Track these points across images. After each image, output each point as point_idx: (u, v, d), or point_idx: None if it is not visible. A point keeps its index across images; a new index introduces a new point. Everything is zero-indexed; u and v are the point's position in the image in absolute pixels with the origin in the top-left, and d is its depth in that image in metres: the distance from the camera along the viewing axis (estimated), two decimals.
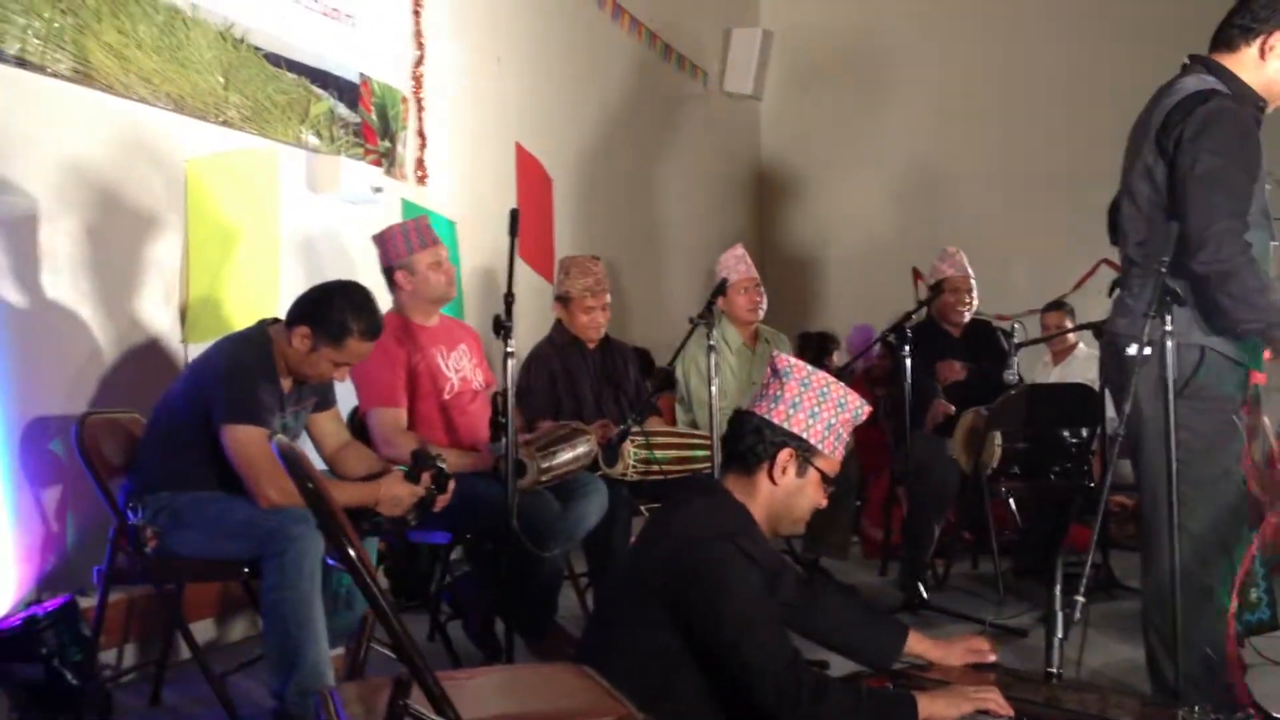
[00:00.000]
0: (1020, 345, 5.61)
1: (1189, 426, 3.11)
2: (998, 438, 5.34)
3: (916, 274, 8.85)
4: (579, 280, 4.75)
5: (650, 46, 7.78)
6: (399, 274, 4.13)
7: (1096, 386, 4.74)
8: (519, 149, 6.14)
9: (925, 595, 4.96)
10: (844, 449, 2.71)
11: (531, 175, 6.26)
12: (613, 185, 7.34)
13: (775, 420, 2.59)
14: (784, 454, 2.59)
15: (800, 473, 2.61)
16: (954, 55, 9.52)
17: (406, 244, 4.12)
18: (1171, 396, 3.02)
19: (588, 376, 4.73)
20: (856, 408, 2.67)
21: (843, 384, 2.68)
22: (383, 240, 4.18)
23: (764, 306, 5.57)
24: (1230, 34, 3.24)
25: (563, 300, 4.79)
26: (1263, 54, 3.20)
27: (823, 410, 2.62)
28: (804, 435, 2.60)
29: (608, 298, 4.80)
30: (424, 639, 4.08)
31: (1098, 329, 5.29)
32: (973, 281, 5.82)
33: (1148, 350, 3.03)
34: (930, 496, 5.34)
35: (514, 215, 3.50)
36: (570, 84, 6.82)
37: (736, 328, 5.52)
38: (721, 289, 4.64)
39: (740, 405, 2.72)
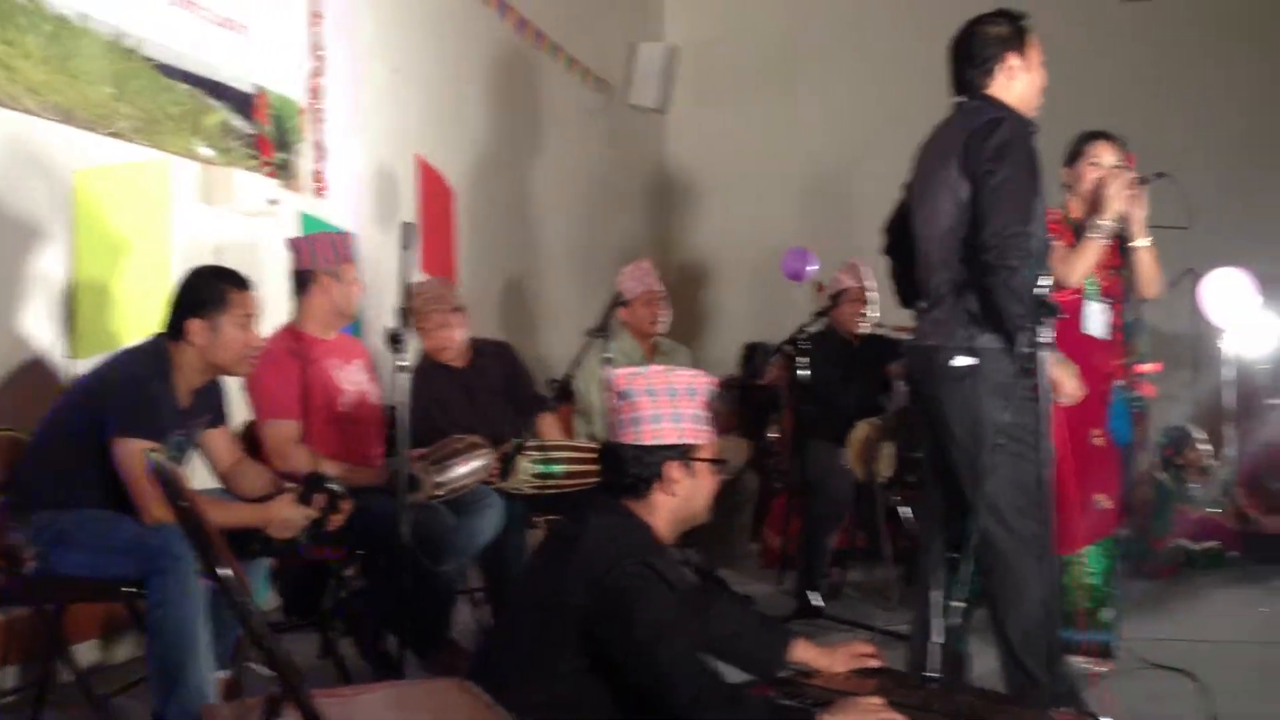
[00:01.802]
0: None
1: (1020, 424, 3.30)
2: (892, 448, 5.48)
3: (819, 285, 8.97)
4: (424, 300, 4.63)
5: (555, 58, 7.81)
6: (324, 279, 4.11)
7: None
8: (420, 160, 6.13)
9: (819, 603, 5.04)
10: (710, 427, 2.75)
11: (433, 187, 6.25)
12: (516, 197, 7.35)
13: (646, 442, 2.62)
14: (669, 469, 2.63)
15: (690, 474, 2.67)
16: (862, 69, 9.66)
17: (335, 253, 4.12)
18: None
19: (457, 398, 4.61)
20: (706, 385, 2.72)
21: (677, 369, 2.74)
22: (308, 244, 4.17)
23: (666, 319, 5.63)
24: (973, 80, 3.60)
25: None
26: (1010, 76, 3.56)
27: (679, 407, 2.65)
28: (678, 441, 2.63)
29: (456, 315, 4.68)
30: (318, 657, 4.05)
31: None
32: (872, 293, 5.92)
33: (973, 360, 3.31)
34: (825, 506, 5.44)
35: (406, 228, 3.51)
36: (472, 96, 6.83)
37: (637, 340, 5.57)
38: (618, 302, 4.68)
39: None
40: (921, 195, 3.63)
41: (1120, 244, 4.18)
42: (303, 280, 4.16)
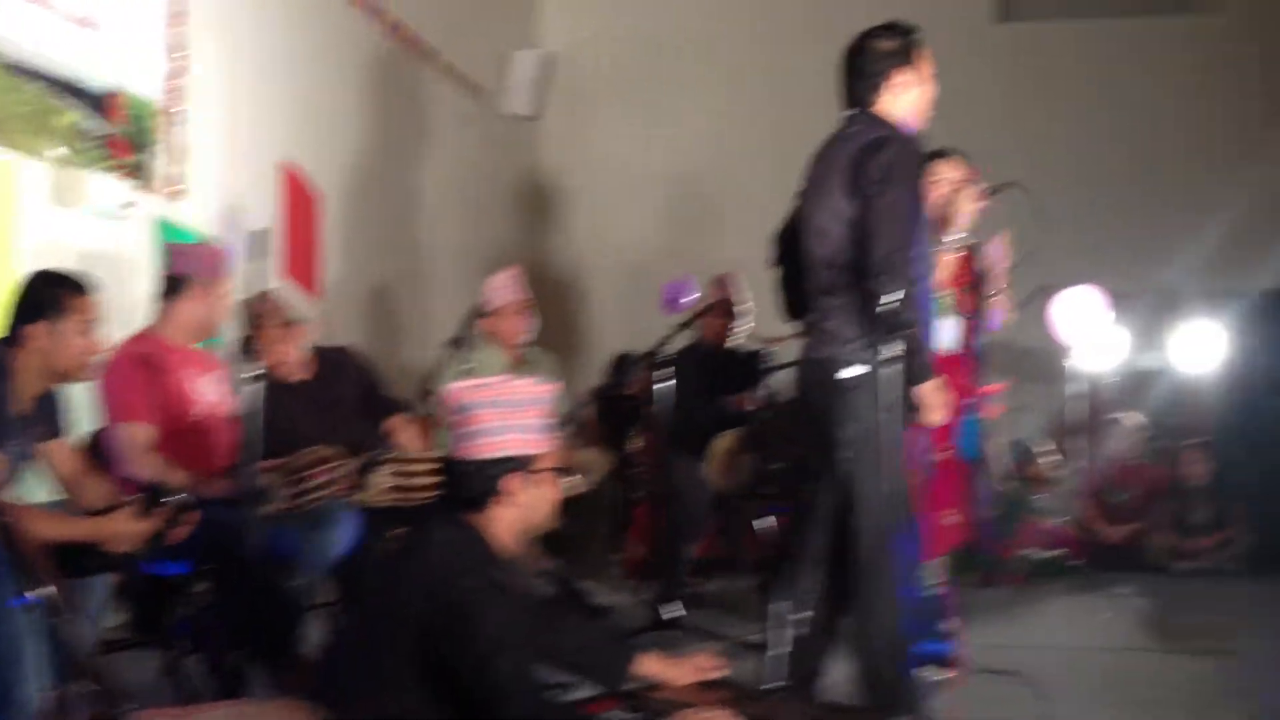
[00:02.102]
0: (772, 369, 5.84)
1: (896, 438, 3.39)
2: (751, 459, 5.57)
3: (690, 283, 9.05)
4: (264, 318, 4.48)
5: (429, 64, 7.76)
6: (197, 288, 4.05)
7: None
8: (284, 165, 6.04)
9: (678, 614, 5.09)
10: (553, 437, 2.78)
11: (297, 192, 6.16)
12: (386, 204, 7.28)
13: (485, 455, 2.63)
14: (509, 481, 2.64)
15: (533, 484, 2.69)
16: (735, 79, 9.79)
17: (213, 266, 4.08)
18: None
19: (303, 414, 4.41)
20: (538, 395, 2.74)
21: (513, 379, 2.78)
22: (187, 251, 4.16)
23: (531, 330, 5.63)
24: (862, 95, 3.63)
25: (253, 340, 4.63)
26: (898, 91, 3.59)
27: (516, 418, 2.66)
28: (516, 453, 2.65)
29: (290, 329, 4.51)
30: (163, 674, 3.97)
31: None
32: (742, 306, 6.00)
33: (862, 372, 3.37)
34: (685, 517, 5.51)
35: (260, 235, 3.48)
36: (342, 100, 6.74)
37: (502, 350, 5.56)
38: (477, 313, 4.66)
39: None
40: (810, 209, 3.64)
41: (971, 260, 4.29)
42: (174, 286, 4.10)
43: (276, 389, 4.33)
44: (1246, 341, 7.76)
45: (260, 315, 4.47)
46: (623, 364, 7.84)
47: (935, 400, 3.42)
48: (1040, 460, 7.26)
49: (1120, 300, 8.67)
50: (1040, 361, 8.96)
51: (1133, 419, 7.50)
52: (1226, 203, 8.81)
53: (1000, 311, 4.37)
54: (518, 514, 2.69)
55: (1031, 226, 3.92)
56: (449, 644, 2.44)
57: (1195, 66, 9.38)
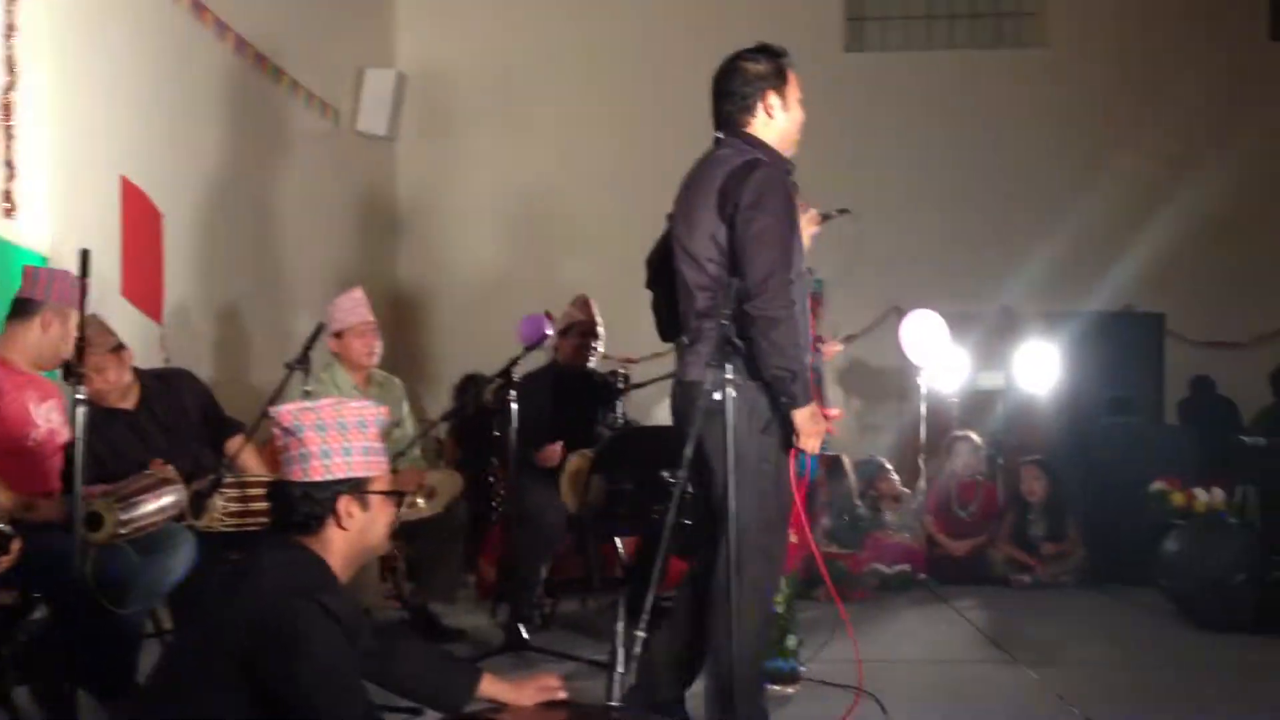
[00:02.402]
0: (624, 390, 5.89)
1: (768, 459, 3.48)
2: (602, 480, 5.59)
3: (549, 316, 9.07)
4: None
5: (276, 82, 7.64)
6: (48, 314, 3.96)
7: None
8: (125, 182, 5.88)
9: (527, 635, 5.08)
10: (386, 458, 2.75)
11: (138, 210, 6.00)
12: (237, 223, 7.13)
13: (316, 478, 2.59)
14: (341, 504, 2.61)
15: (364, 507, 2.64)
16: (585, 102, 9.88)
17: (71, 296, 3.90)
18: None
19: (130, 443, 4.32)
20: (375, 416, 2.70)
21: (345, 400, 2.73)
22: (45, 276, 4.00)
23: (380, 351, 5.58)
24: (732, 118, 3.63)
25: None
26: (769, 114, 3.61)
27: (350, 440, 2.63)
28: (349, 475, 2.61)
29: (113, 357, 4.31)
30: None
31: None
32: (600, 329, 6.04)
33: (731, 395, 3.35)
34: (536, 538, 5.50)
35: (84, 256, 3.39)
36: (187, 117, 6.59)
37: (350, 371, 5.50)
38: (318, 334, 4.60)
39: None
40: (681, 232, 3.63)
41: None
42: (25, 309, 3.99)
43: (103, 414, 4.22)
44: (1079, 361, 8.09)
45: (84, 340, 4.32)
46: (470, 385, 7.82)
47: (809, 426, 3.43)
48: (886, 478, 7.45)
49: (962, 321, 8.99)
50: (895, 380, 9.23)
51: (975, 437, 7.74)
52: (1061, 227, 9.22)
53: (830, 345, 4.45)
54: (351, 537, 2.63)
55: (874, 249, 4.00)
56: (274, 674, 2.39)
57: (1029, 97, 9.80)
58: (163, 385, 4.50)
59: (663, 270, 3.79)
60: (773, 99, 3.60)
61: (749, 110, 3.60)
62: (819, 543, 6.42)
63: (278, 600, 2.42)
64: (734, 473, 3.38)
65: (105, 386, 4.26)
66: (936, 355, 8.42)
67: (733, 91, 3.61)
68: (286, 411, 2.61)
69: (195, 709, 2.42)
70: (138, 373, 4.39)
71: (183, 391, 4.54)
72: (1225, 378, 9.01)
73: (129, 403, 4.40)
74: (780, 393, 3.43)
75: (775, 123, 3.62)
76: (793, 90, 3.64)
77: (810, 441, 3.47)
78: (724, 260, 3.51)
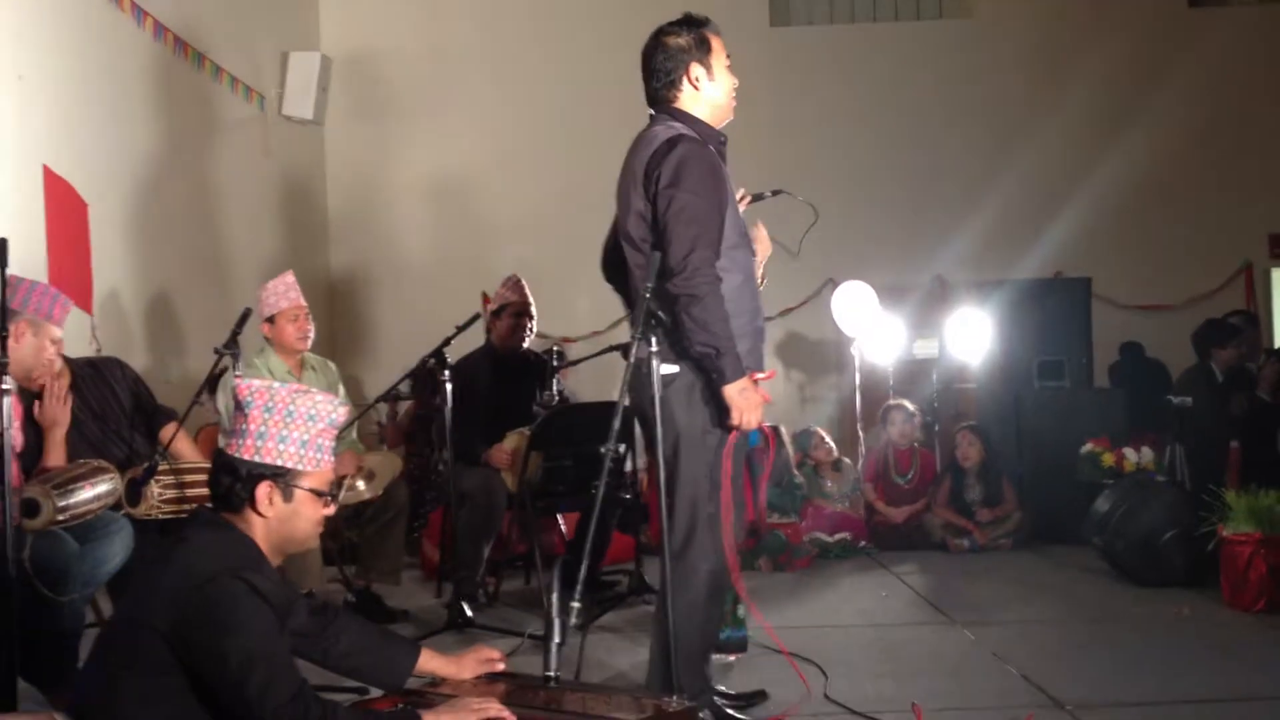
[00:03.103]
0: (559, 368, 5.91)
1: (710, 429, 3.48)
2: (540, 457, 5.62)
3: (485, 298, 9.07)
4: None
5: (199, 68, 7.54)
6: (22, 324, 3.93)
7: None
8: (47, 172, 5.79)
9: (470, 614, 5.09)
10: (332, 457, 2.72)
11: (63, 200, 5.91)
12: (166, 211, 7.04)
13: (245, 456, 2.59)
14: (261, 488, 2.59)
15: (287, 498, 2.62)
16: (511, 84, 9.88)
17: (48, 309, 3.98)
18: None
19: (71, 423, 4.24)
20: (330, 414, 2.68)
21: (311, 391, 2.69)
22: (25, 286, 3.98)
23: (312, 334, 5.55)
24: (660, 94, 3.63)
25: None
26: (696, 87, 3.60)
27: (292, 430, 2.62)
28: (278, 463, 2.60)
29: (52, 334, 4.17)
30: None
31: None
32: (533, 309, 6.04)
33: (675, 369, 3.39)
34: (478, 518, 5.52)
35: (1, 246, 3.34)
36: (109, 105, 6.49)
37: (283, 356, 5.46)
38: (245, 318, 4.57)
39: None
40: (620, 214, 3.64)
41: None
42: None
43: (34, 400, 4.19)
44: (1011, 328, 8.21)
45: (5, 332, 4.26)
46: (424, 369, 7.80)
47: (739, 401, 3.39)
48: (821, 446, 7.53)
49: (896, 292, 9.10)
50: (833, 352, 9.32)
51: (909, 405, 7.84)
52: (991, 196, 9.34)
53: None
54: (271, 525, 2.61)
55: (806, 223, 4.01)
56: (202, 652, 2.39)
57: (954, 69, 9.91)
58: (93, 372, 4.44)
59: (614, 258, 3.77)
60: (696, 70, 3.58)
61: (674, 85, 3.59)
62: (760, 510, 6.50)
63: (204, 578, 2.41)
64: (675, 446, 3.43)
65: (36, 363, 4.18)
66: (868, 326, 8.52)
67: (657, 68, 3.60)
68: (244, 385, 2.61)
69: (130, 691, 2.41)
70: (68, 361, 4.33)
71: (114, 379, 4.47)
72: (1156, 341, 9.19)
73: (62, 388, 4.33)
74: (709, 369, 3.42)
75: (703, 94, 3.59)
76: (718, 58, 3.61)
77: (747, 417, 3.41)
78: (651, 238, 3.51)
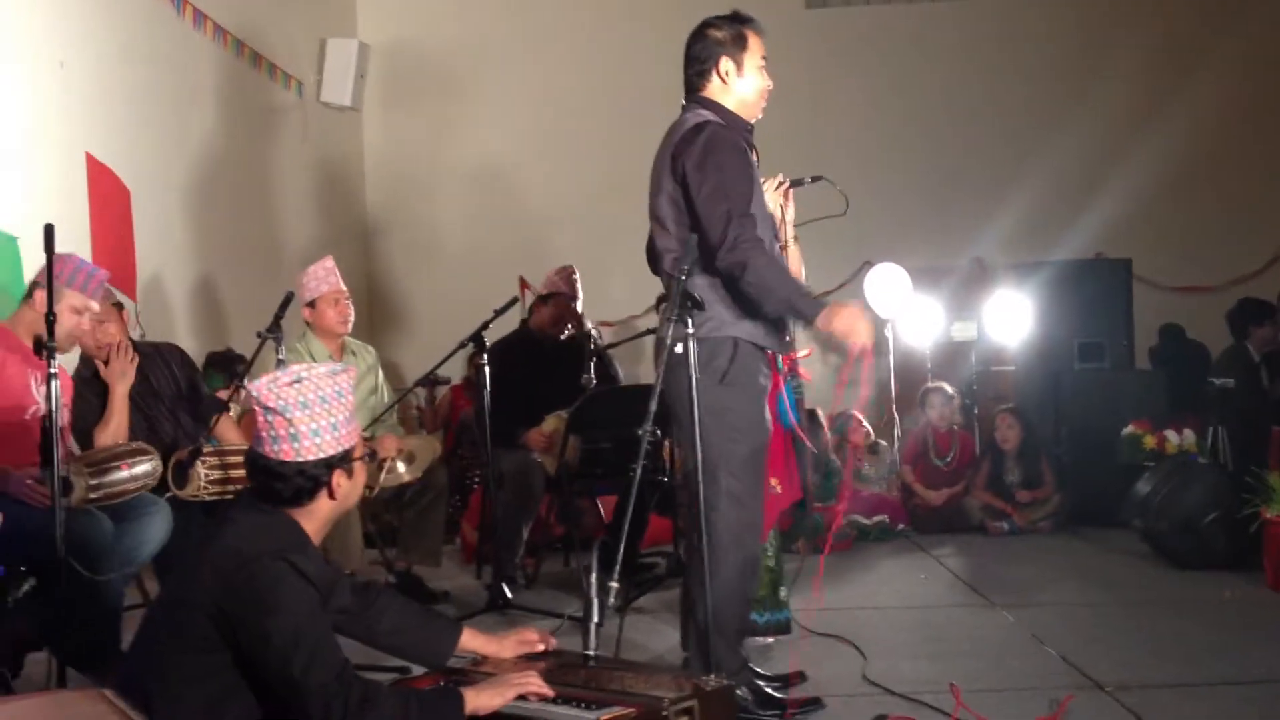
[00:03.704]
0: (598, 351, 5.92)
1: (733, 409, 3.51)
2: (578, 440, 5.64)
3: (522, 282, 9.11)
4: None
5: (239, 56, 7.60)
6: (39, 294, 3.97)
7: None
8: (90, 159, 5.86)
9: (510, 595, 5.14)
10: (356, 418, 2.77)
11: (106, 186, 5.98)
12: (205, 197, 7.12)
13: (309, 457, 2.61)
14: (335, 477, 2.65)
15: (350, 475, 2.69)
16: (550, 70, 9.87)
17: (71, 279, 4.02)
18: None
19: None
20: (349, 381, 2.71)
21: (325, 370, 2.69)
22: (62, 260, 3.98)
23: (352, 318, 5.60)
24: (692, 82, 3.73)
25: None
26: (724, 80, 3.68)
27: (335, 414, 2.65)
28: (337, 450, 2.64)
29: (73, 301, 4.27)
30: None
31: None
32: (578, 304, 6.08)
33: (691, 346, 3.39)
34: (517, 500, 5.56)
35: (49, 231, 3.41)
36: (149, 92, 6.56)
37: (324, 340, 5.52)
38: (288, 302, 4.63)
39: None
40: (652, 199, 3.72)
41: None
42: (28, 290, 4.09)
43: (89, 382, 4.31)
44: (1050, 310, 8.15)
45: (53, 314, 4.36)
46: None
47: (838, 329, 3.44)
48: (858, 430, 7.51)
49: (934, 274, 9.04)
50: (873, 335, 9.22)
51: (948, 387, 7.81)
52: (1028, 178, 9.25)
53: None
54: (336, 505, 2.69)
55: (840, 210, 4.02)
56: (246, 633, 2.43)
57: (994, 49, 9.81)
58: (156, 354, 4.64)
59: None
60: (726, 64, 3.66)
61: (705, 75, 3.69)
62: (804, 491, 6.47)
63: (248, 560, 2.45)
64: (694, 421, 3.43)
65: (106, 339, 4.39)
66: (902, 306, 8.46)
67: (693, 56, 3.70)
68: (268, 391, 2.59)
69: (177, 669, 2.45)
70: (132, 341, 4.47)
71: (174, 363, 4.68)
72: (1197, 322, 9.07)
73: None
74: (795, 321, 3.57)
75: (730, 88, 3.68)
76: (752, 57, 3.69)
77: (854, 336, 3.46)
78: (682, 220, 3.60)
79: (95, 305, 4.12)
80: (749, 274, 3.44)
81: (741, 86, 3.68)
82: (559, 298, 6.06)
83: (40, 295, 4.00)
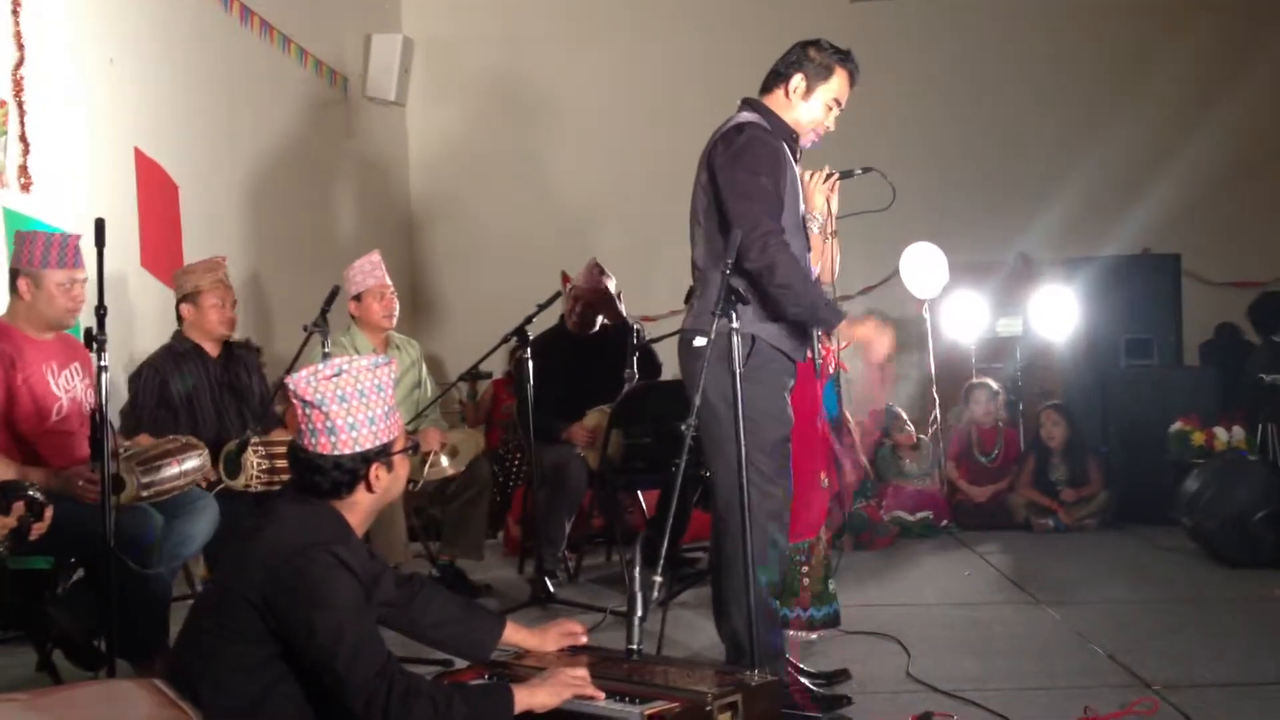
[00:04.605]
0: (641, 344, 5.92)
1: (750, 402, 3.48)
2: (620, 435, 5.64)
3: (565, 277, 9.10)
4: (205, 275, 4.77)
5: (285, 51, 7.66)
6: (22, 280, 3.99)
7: None
8: (139, 154, 5.93)
9: (552, 589, 5.15)
10: (399, 411, 2.78)
11: (154, 181, 6.05)
12: (251, 191, 7.18)
13: (345, 451, 2.62)
14: (372, 471, 2.66)
15: (390, 469, 2.70)
16: (593, 66, 9.85)
17: (44, 255, 3.98)
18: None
19: (207, 386, 4.70)
20: (389, 374, 2.72)
21: (366, 363, 2.69)
22: (22, 240, 4.04)
23: (397, 312, 5.63)
24: (767, 83, 3.78)
25: (191, 298, 4.75)
26: (788, 95, 3.73)
27: (374, 408, 2.66)
28: (376, 444, 2.65)
29: (234, 296, 4.87)
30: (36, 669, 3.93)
31: None
32: (606, 297, 6.05)
33: (708, 340, 3.40)
34: (559, 494, 5.56)
35: (99, 225, 3.44)
36: (196, 88, 6.62)
37: (369, 334, 5.56)
38: (334, 295, 4.68)
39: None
40: (692, 193, 3.75)
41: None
42: (12, 277, 4.05)
43: (198, 355, 4.75)
44: (1097, 305, 8.06)
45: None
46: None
47: (874, 338, 3.58)
48: (902, 428, 7.47)
49: (980, 270, 8.95)
50: (910, 331, 9.19)
51: (993, 383, 7.74)
52: (1075, 173, 9.14)
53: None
54: (377, 497, 2.71)
55: (885, 203, 4.01)
56: (291, 624, 2.45)
57: (1041, 42, 9.70)
58: (241, 350, 4.92)
59: None
60: (798, 83, 3.70)
61: (777, 83, 3.74)
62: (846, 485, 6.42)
63: (293, 552, 2.47)
64: (716, 416, 3.50)
65: (221, 318, 4.77)
66: (937, 285, 8.27)
67: (781, 61, 3.76)
68: (306, 385, 2.60)
69: (225, 659, 2.48)
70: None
71: (250, 366, 4.92)
72: (1246, 318, 8.95)
73: (213, 350, 4.81)
74: (815, 328, 3.62)
75: (792, 105, 3.72)
76: (827, 90, 3.72)
77: (877, 347, 3.77)
78: (715, 215, 3.62)
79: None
80: (778, 276, 3.47)
81: (801, 109, 3.73)
82: (581, 297, 6.01)
83: (24, 283, 4.01)
